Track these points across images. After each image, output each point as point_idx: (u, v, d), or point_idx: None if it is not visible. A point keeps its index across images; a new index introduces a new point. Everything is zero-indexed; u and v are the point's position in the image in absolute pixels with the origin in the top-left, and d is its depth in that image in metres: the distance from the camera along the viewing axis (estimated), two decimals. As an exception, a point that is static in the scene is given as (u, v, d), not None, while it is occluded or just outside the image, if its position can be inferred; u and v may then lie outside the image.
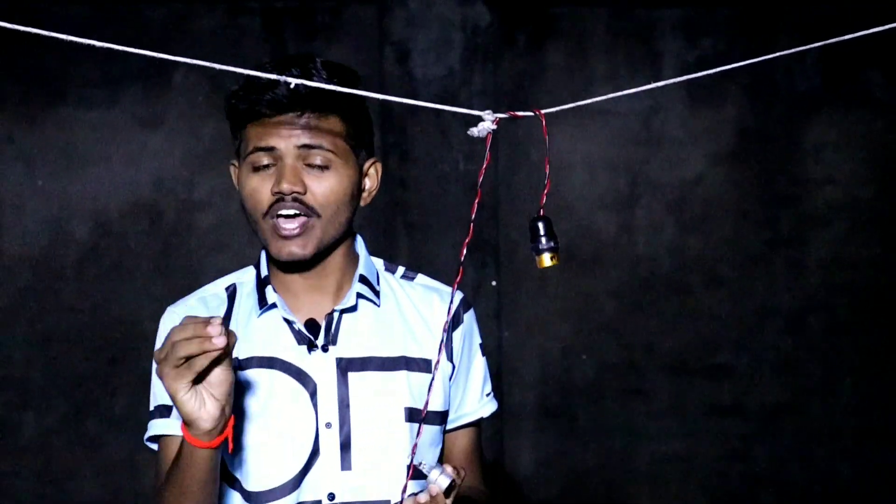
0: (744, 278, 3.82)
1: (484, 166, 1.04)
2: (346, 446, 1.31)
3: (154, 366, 1.32)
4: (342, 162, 1.30)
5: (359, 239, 1.43)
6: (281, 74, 1.24)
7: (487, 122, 0.95)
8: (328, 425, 1.31)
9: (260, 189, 1.29)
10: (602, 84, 3.79)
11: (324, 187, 1.29)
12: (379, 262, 1.47)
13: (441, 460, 1.42)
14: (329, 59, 1.33)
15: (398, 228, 3.53)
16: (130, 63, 3.62)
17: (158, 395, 1.34)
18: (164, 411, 1.32)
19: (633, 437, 3.80)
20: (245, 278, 1.42)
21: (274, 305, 1.35)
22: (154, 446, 1.35)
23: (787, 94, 3.84)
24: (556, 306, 3.75)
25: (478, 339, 1.48)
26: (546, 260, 1.02)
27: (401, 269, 1.48)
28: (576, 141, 3.74)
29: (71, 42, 0.72)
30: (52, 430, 3.64)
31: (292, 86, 1.11)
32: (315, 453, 1.31)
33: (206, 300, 1.39)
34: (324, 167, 1.29)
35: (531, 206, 3.74)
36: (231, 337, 1.07)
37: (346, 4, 3.72)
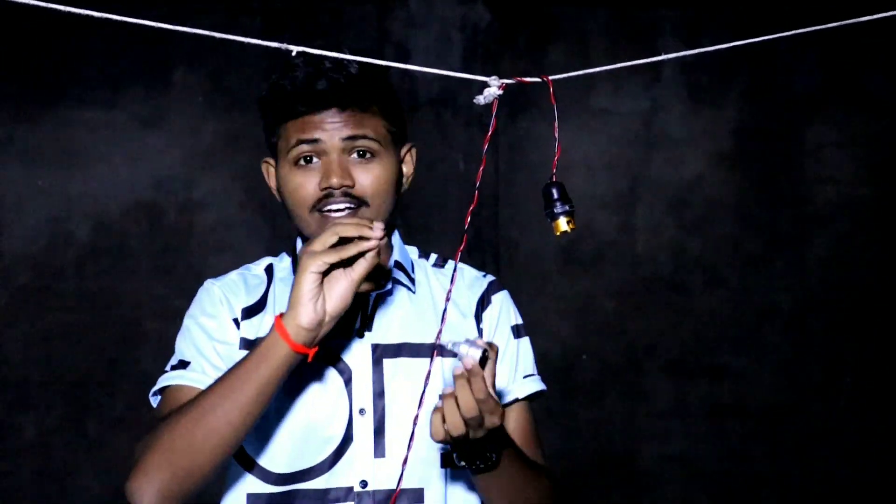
0: (744, 278, 3.82)
1: (489, 133, 1.02)
2: (379, 433, 1.30)
3: (188, 321, 1.33)
4: (385, 150, 1.31)
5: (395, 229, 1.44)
6: (314, 65, 1.25)
7: (493, 88, 0.94)
8: (362, 412, 1.30)
9: (305, 185, 1.28)
10: (602, 84, 3.79)
11: (371, 177, 1.29)
12: (413, 250, 1.48)
13: None
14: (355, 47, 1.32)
15: (397, 229, 3.53)
16: (130, 63, 3.62)
17: (184, 350, 1.33)
18: (182, 366, 1.31)
19: (633, 438, 3.80)
20: (280, 263, 1.43)
21: None
22: (156, 401, 1.33)
23: (788, 95, 3.84)
24: (556, 306, 3.75)
25: (513, 321, 1.46)
26: (563, 224, 1.00)
27: (433, 257, 1.48)
28: (576, 141, 3.74)
29: (69, 13, 0.71)
30: (51, 429, 3.64)
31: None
32: (348, 440, 1.30)
33: (245, 277, 1.40)
34: (370, 157, 1.29)
35: (531, 206, 3.75)
36: (383, 239, 1.14)
37: (347, 4, 3.72)
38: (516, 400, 1.42)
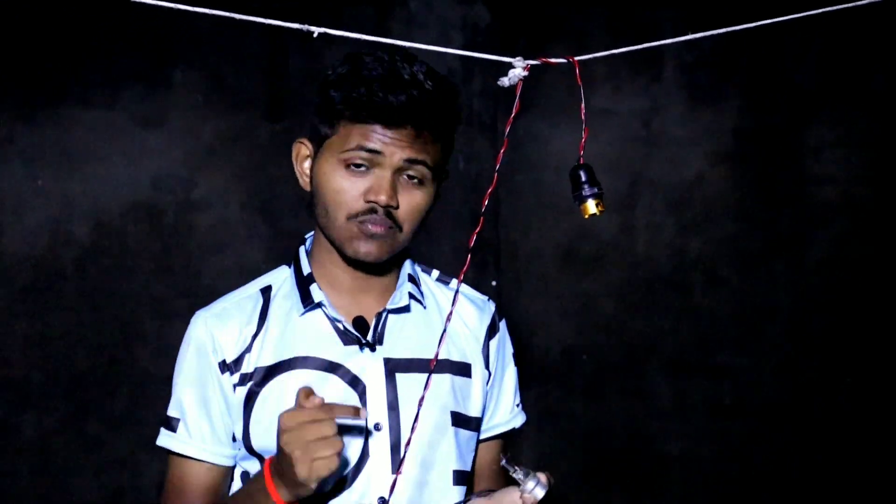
0: (744, 278, 3.82)
1: (513, 115, 1.01)
2: (396, 449, 1.28)
3: (176, 367, 1.31)
4: (432, 181, 1.29)
5: None
6: (390, 71, 1.21)
7: (518, 70, 0.94)
8: (377, 427, 1.28)
9: (350, 191, 1.24)
10: (602, 84, 3.79)
11: (413, 203, 1.27)
12: (416, 265, 1.46)
13: (473, 470, 1.41)
14: (430, 68, 1.28)
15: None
16: (130, 63, 3.62)
17: (176, 398, 1.30)
18: (171, 424, 1.30)
19: (633, 437, 3.80)
20: (279, 278, 1.38)
21: (319, 304, 1.32)
22: (163, 440, 1.33)
23: (787, 94, 3.84)
24: (556, 306, 3.75)
25: (510, 349, 1.48)
26: (591, 207, 1.00)
27: (435, 273, 1.46)
28: (576, 141, 3.74)
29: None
30: (51, 430, 3.64)
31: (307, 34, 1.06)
32: (365, 456, 1.27)
33: (240, 304, 1.34)
34: (419, 182, 1.27)
35: (531, 206, 3.74)
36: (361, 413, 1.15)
37: (346, 4, 3.71)
38: (513, 429, 1.47)
